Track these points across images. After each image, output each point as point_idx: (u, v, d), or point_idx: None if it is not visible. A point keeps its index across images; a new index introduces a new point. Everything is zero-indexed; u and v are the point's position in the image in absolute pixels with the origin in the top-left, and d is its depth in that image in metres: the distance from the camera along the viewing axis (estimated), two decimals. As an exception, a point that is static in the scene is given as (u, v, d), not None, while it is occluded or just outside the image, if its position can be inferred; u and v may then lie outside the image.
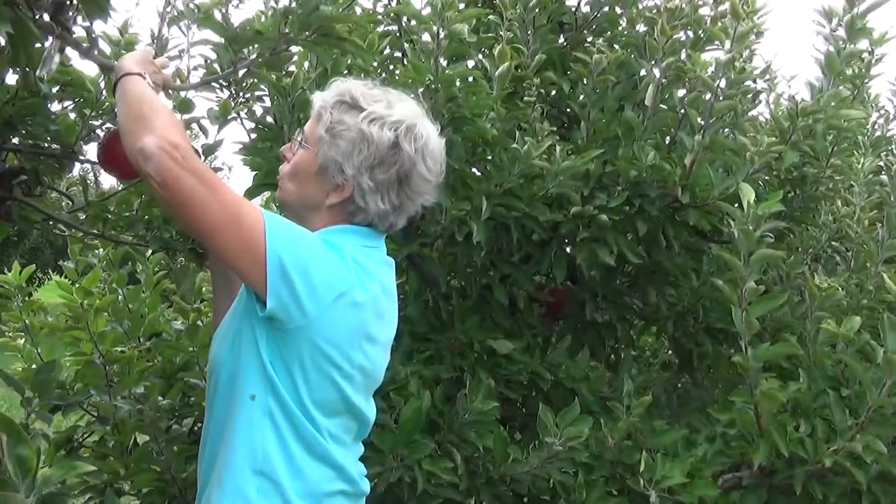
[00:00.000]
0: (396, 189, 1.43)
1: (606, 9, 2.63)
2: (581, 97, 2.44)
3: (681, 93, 2.37)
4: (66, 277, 2.48)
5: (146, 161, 1.25)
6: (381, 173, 1.41)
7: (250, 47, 1.71)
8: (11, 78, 1.76)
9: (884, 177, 2.51)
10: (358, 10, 2.30)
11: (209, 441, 1.44)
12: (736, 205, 1.97)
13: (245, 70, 1.71)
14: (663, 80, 2.26)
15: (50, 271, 12.51)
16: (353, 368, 1.39)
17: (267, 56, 1.63)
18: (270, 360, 1.34)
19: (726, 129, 2.38)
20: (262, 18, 1.81)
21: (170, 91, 1.62)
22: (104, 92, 1.95)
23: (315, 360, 1.35)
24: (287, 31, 1.57)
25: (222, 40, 1.73)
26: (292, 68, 2.02)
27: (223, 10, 1.85)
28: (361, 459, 1.51)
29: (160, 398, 2.27)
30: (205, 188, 1.27)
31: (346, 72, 2.10)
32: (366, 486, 1.48)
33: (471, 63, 2.37)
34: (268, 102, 2.14)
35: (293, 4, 1.56)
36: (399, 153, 1.41)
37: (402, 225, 1.50)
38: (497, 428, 2.17)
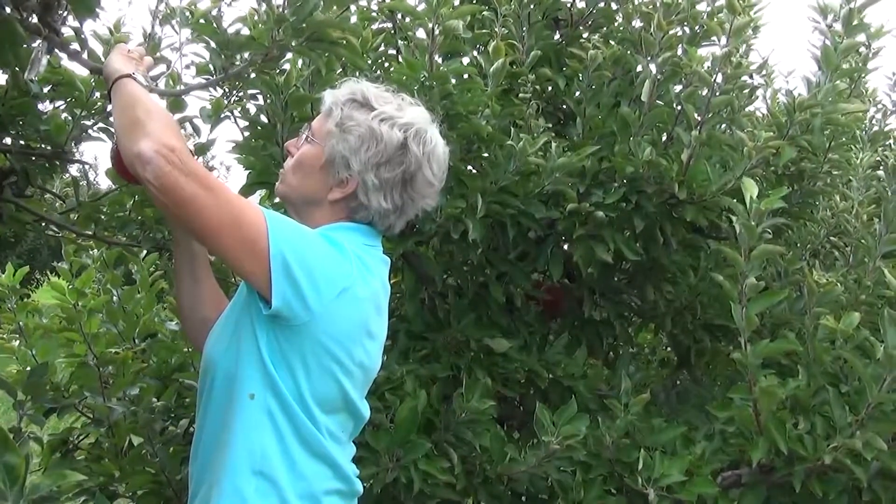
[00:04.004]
0: (400, 189, 1.45)
1: (602, 4, 2.61)
2: (577, 93, 2.42)
3: (677, 88, 2.35)
4: (60, 279, 2.47)
5: (144, 166, 1.24)
6: (387, 172, 1.43)
7: (242, 53, 1.69)
8: (0, 78, 1.75)
9: (881, 172, 2.50)
10: (352, 7, 2.28)
11: (203, 442, 1.44)
12: (735, 200, 1.96)
13: (237, 74, 1.70)
14: (659, 76, 2.24)
15: (47, 273, 12.49)
16: (354, 364, 1.40)
17: (259, 62, 1.62)
18: (271, 358, 1.34)
19: (723, 125, 2.36)
20: (255, 16, 1.79)
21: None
22: (95, 92, 1.94)
23: (317, 356, 1.35)
24: (280, 37, 1.55)
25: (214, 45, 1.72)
26: (286, 66, 2.01)
27: (217, 10, 1.84)
28: (356, 459, 1.51)
29: (155, 399, 2.26)
30: (204, 190, 1.26)
31: (339, 70, 2.08)
32: (359, 486, 1.47)
33: (465, 60, 2.35)
34: (261, 100, 2.12)
35: (286, 10, 1.54)
36: (406, 154, 1.43)
37: (401, 227, 1.52)
38: (494, 427, 2.16)
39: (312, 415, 1.36)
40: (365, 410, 1.49)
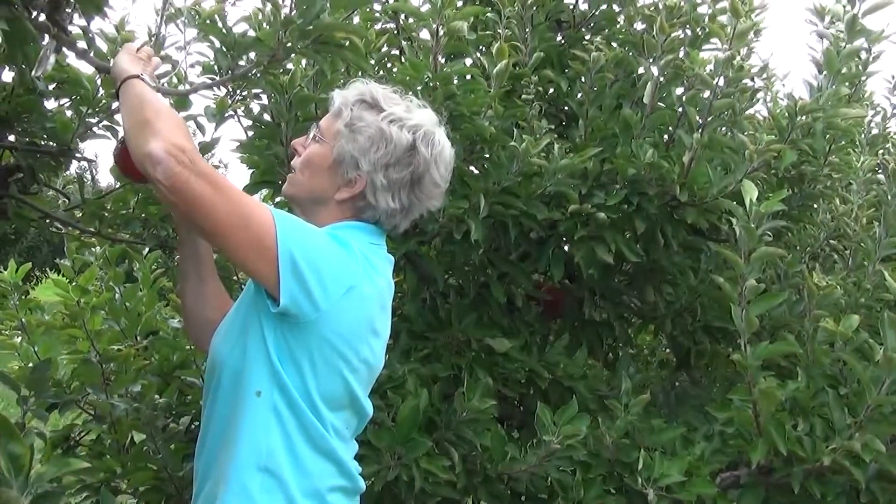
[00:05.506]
0: (408, 190, 1.46)
1: (604, 6, 2.62)
2: (579, 95, 2.43)
3: (679, 91, 2.36)
4: (62, 275, 2.48)
5: (154, 167, 1.25)
6: (396, 172, 1.44)
7: (248, 54, 1.70)
8: (7, 75, 1.76)
9: (881, 175, 2.51)
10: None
11: (209, 438, 1.44)
12: (736, 203, 1.97)
13: (243, 74, 1.71)
14: (661, 78, 2.25)
15: (48, 269, 12.49)
16: (360, 362, 1.41)
17: (265, 63, 1.63)
18: (278, 355, 1.35)
19: (724, 128, 2.37)
20: (259, 16, 1.80)
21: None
22: (101, 89, 1.94)
23: (324, 354, 1.36)
24: (286, 39, 1.56)
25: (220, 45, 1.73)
26: (290, 66, 2.02)
27: (223, 10, 1.84)
28: (358, 457, 1.51)
29: (157, 396, 2.27)
30: (213, 190, 1.27)
31: (343, 70, 2.09)
32: (362, 483, 1.48)
33: (469, 61, 2.36)
34: (265, 100, 2.13)
35: (293, 13, 1.55)
36: (415, 155, 1.45)
37: (406, 227, 1.53)
38: (495, 426, 2.16)
39: (318, 412, 1.37)
40: (369, 408, 1.50)
